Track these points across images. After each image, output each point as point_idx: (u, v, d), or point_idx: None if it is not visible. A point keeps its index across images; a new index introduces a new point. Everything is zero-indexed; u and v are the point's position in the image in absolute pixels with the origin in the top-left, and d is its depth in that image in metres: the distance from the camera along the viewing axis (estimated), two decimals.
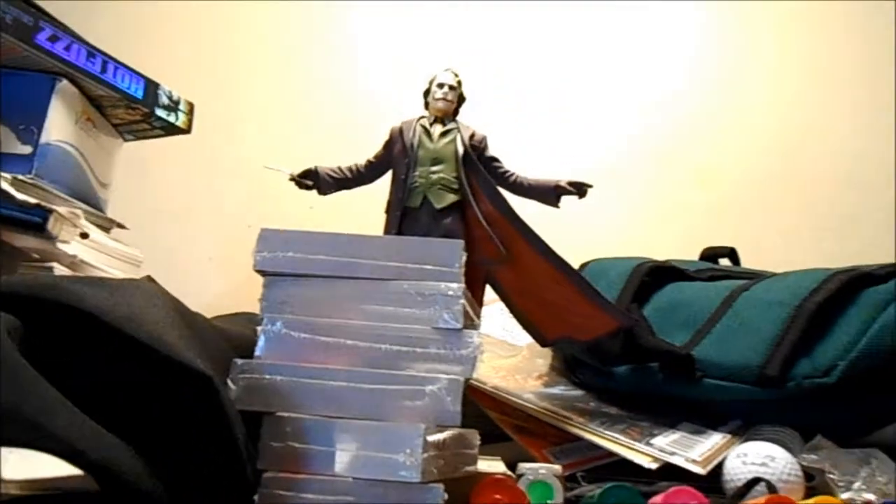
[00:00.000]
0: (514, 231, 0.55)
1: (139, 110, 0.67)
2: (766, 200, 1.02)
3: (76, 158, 0.63)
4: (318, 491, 0.38)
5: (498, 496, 0.42)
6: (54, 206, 0.53)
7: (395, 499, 0.37)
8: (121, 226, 0.69)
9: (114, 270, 0.62)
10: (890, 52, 1.02)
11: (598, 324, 0.58)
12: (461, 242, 0.43)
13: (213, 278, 0.99)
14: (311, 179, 0.59)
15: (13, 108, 0.58)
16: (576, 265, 0.60)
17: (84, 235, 0.57)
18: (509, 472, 0.48)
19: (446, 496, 0.38)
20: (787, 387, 0.55)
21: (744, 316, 0.60)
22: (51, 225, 0.52)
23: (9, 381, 0.30)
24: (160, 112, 0.68)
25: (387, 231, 0.57)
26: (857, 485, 0.46)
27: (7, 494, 0.28)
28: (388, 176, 0.58)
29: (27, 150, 0.58)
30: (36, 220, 0.52)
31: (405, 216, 0.56)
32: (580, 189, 0.58)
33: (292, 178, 0.59)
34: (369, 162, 0.59)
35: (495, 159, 0.59)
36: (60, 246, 0.54)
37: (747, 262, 0.81)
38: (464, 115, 0.60)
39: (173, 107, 0.70)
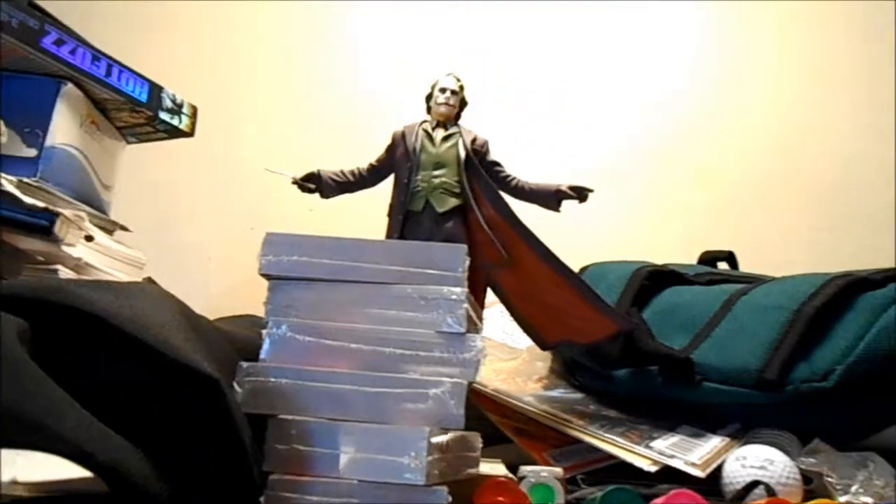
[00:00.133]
0: (515, 235, 0.55)
1: (143, 114, 0.67)
2: (766, 201, 1.03)
3: (80, 161, 0.63)
4: (323, 493, 0.38)
5: (500, 498, 0.42)
6: (60, 210, 0.53)
7: (400, 501, 0.38)
8: (124, 228, 0.69)
9: (117, 273, 0.62)
10: (890, 52, 1.03)
11: (598, 327, 0.58)
12: (464, 247, 0.43)
13: (213, 279, 0.99)
14: (314, 183, 0.59)
15: (18, 111, 0.59)
16: (576, 268, 0.60)
17: (89, 238, 0.57)
18: (510, 475, 0.49)
19: (450, 498, 0.38)
20: (785, 391, 0.55)
21: (742, 320, 0.60)
22: (57, 228, 0.52)
23: (17, 383, 0.30)
24: (164, 115, 0.69)
25: (389, 234, 0.57)
26: (854, 488, 0.47)
27: (15, 496, 0.28)
28: (390, 179, 0.58)
29: (32, 153, 0.58)
30: (43, 224, 0.52)
31: (407, 220, 0.56)
32: (581, 194, 0.59)
33: (295, 182, 0.59)
34: (371, 165, 0.59)
35: (497, 163, 0.59)
36: (65, 249, 0.54)
37: (747, 262, 0.81)
38: (464, 116, 0.60)
39: (177, 110, 0.70)
